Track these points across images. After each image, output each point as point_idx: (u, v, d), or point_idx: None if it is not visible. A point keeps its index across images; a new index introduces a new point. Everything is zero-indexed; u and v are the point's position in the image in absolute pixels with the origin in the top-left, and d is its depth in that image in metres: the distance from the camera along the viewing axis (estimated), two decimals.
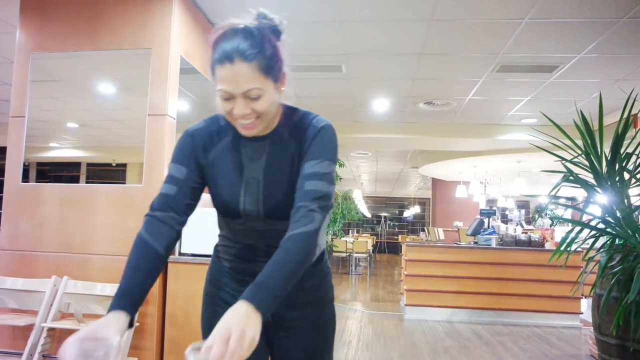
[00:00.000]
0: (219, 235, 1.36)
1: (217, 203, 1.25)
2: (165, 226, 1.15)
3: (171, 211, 1.17)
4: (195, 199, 1.23)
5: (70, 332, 2.99)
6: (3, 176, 3.24)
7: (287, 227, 1.15)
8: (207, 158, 1.23)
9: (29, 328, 2.88)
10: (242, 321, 0.89)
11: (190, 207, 1.21)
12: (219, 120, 1.24)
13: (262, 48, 1.07)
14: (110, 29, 3.21)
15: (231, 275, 1.32)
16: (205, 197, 1.28)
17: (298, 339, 1.33)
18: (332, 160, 1.18)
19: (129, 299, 1.02)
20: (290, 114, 1.23)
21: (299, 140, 1.20)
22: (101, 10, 3.23)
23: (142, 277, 1.07)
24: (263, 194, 1.20)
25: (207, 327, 1.33)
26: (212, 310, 1.33)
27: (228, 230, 1.30)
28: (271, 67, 1.08)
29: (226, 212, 1.24)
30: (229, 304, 1.26)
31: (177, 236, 1.18)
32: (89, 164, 3.41)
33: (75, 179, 3.36)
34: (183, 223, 1.19)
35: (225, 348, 0.84)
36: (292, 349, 1.33)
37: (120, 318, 0.98)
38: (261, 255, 1.25)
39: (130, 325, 1.01)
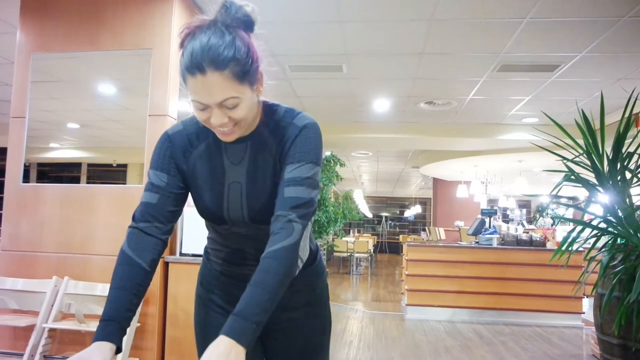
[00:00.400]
0: (208, 238, 1.32)
1: (200, 209, 1.20)
2: (149, 238, 1.11)
3: (155, 221, 1.12)
4: (179, 205, 1.17)
5: (71, 332, 3.00)
6: (4, 177, 3.24)
7: None
8: (187, 163, 1.17)
9: (29, 329, 2.88)
10: (223, 358, 0.87)
11: (174, 214, 1.16)
12: (198, 121, 1.15)
13: (235, 52, 0.97)
14: (110, 30, 3.21)
15: (221, 278, 1.29)
16: None
17: (294, 340, 1.31)
18: (315, 162, 1.10)
19: (115, 325, 0.99)
20: (271, 112, 1.16)
21: (279, 141, 1.13)
22: (101, 10, 3.23)
23: (127, 298, 1.04)
24: (247, 199, 1.15)
25: (201, 326, 1.32)
26: (205, 312, 1.31)
27: (215, 234, 1.26)
28: (246, 72, 0.99)
29: (210, 218, 1.20)
30: (220, 307, 1.28)
31: (164, 246, 1.14)
32: (89, 165, 3.41)
33: (75, 180, 3.36)
34: (169, 232, 1.15)
35: None
36: (288, 351, 1.31)
37: (104, 347, 0.95)
38: (250, 259, 1.22)
39: (119, 351, 0.99)
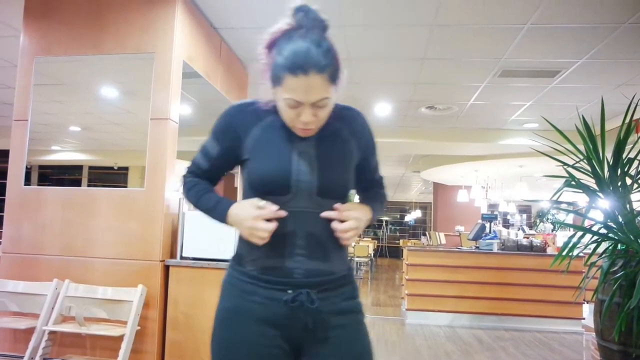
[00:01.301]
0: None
1: (262, 177, 1.16)
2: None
3: (202, 180, 1.30)
4: (225, 171, 1.33)
5: (71, 335, 3.00)
6: (6, 179, 3.25)
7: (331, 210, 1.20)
8: (252, 131, 1.20)
9: (30, 331, 2.88)
10: (364, 219, 1.23)
11: (219, 179, 1.34)
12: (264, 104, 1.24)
13: (331, 57, 1.08)
14: (113, 34, 3.22)
15: (259, 279, 1.17)
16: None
17: (343, 347, 1.19)
18: None
19: (227, 200, 1.23)
20: None
21: (352, 129, 1.26)
22: (104, 14, 3.25)
23: (215, 194, 1.27)
24: (318, 166, 1.17)
25: (230, 348, 1.16)
26: (236, 329, 1.16)
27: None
28: (337, 75, 1.11)
29: (272, 186, 1.15)
30: (263, 321, 1.15)
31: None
32: (91, 167, 3.42)
33: (77, 182, 3.37)
34: (214, 185, 1.35)
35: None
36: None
37: (240, 202, 1.20)
38: (299, 247, 1.15)
39: None
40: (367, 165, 1.32)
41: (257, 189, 1.18)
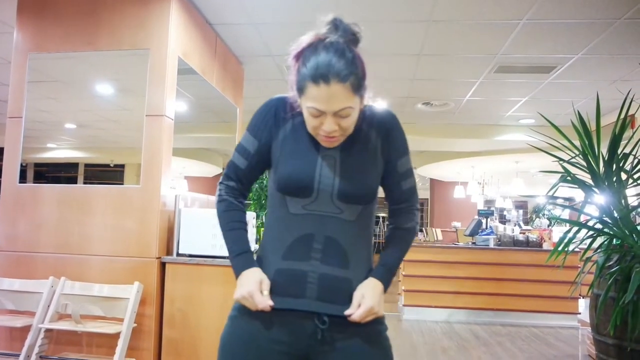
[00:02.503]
0: (268, 230, 1.25)
1: (287, 177, 1.17)
2: (237, 192, 1.29)
3: (239, 183, 1.28)
4: (261, 172, 1.30)
5: (67, 333, 2.99)
6: (0, 177, 3.24)
7: (352, 217, 1.18)
8: (285, 128, 1.22)
9: (26, 329, 2.88)
10: (377, 289, 1.16)
11: (254, 181, 1.32)
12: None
13: (355, 67, 1.09)
14: (108, 30, 3.21)
15: (272, 282, 1.17)
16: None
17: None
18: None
19: (251, 255, 1.21)
20: None
21: (377, 130, 1.23)
22: (99, 10, 3.23)
23: (244, 234, 1.25)
24: (340, 171, 1.17)
25: (234, 344, 1.18)
26: (243, 327, 1.18)
27: (283, 219, 1.20)
28: (361, 85, 1.11)
29: (296, 188, 1.17)
30: (269, 320, 1.16)
31: (246, 199, 1.33)
32: (86, 165, 3.41)
33: (73, 180, 3.36)
34: (246, 196, 1.33)
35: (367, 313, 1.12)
36: None
37: (257, 270, 1.18)
38: (316, 251, 1.15)
39: None
40: (392, 169, 1.25)
41: (281, 189, 1.19)
